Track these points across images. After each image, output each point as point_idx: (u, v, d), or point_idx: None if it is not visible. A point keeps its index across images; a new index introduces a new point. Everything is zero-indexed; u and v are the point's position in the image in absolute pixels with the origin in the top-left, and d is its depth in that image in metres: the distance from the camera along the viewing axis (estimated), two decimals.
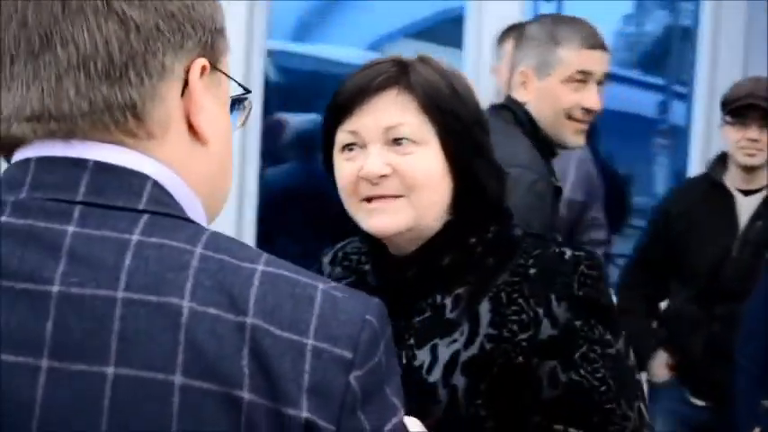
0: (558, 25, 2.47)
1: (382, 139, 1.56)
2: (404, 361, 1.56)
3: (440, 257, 1.59)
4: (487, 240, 1.60)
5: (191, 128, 0.99)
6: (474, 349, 1.53)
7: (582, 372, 1.51)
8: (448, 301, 1.57)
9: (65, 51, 0.92)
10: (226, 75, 1.04)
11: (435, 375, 1.53)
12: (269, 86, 4.24)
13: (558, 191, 2.45)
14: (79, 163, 0.92)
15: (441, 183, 1.57)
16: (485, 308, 1.55)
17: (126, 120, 0.93)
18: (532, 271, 1.56)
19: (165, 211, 0.93)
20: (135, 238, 0.89)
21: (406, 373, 1.51)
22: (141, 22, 0.94)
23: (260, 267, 0.91)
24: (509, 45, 3.07)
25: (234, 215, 3.75)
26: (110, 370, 0.84)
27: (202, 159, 1.01)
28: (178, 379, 0.84)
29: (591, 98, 2.43)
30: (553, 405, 1.52)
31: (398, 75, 1.57)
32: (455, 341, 1.54)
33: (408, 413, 1.49)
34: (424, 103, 1.56)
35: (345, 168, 1.60)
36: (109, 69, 0.92)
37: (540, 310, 1.53)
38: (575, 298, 1.53)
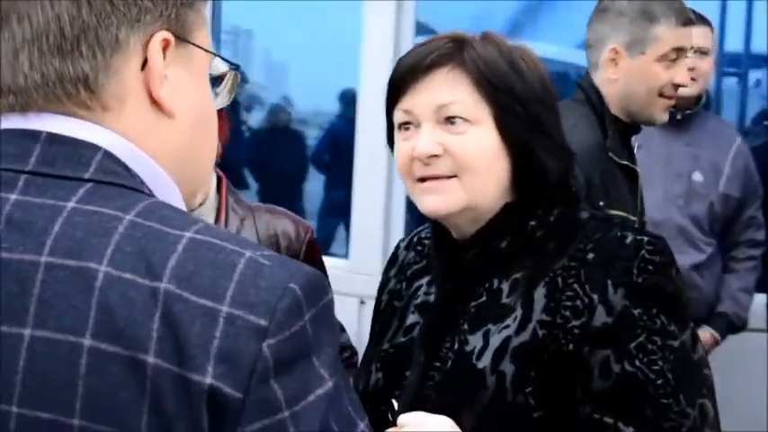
0: (651, 1, 2.42)
1: (435, 118, 1.54)
2: (455, 346, 1.53)
3: (498, 240, 1.55)
4: (549, 223, 1.56)
5: (154, 101, 1.00)
6: (525, 335, 1.49)
7: (637, 362, 1.46)
8: (505, 286, 1.54)
9: (20, 27, 0.96)
10: (202, 48, 1.05)
11: (485, 361, 1.50)
12: None
13: (630, 172, 2.44)
14: (33, 134, 0.95)
15: (495, 163, 1.54)
16: (540, 293, 1.51)
17: (78, 92, 0.96)
18: (591, 255, 1.51)
19: (112, 180, 0.95)
20: (70, 205, 0.91)
21: (456, 359, 1.52)
22: None
23: (188, 234, 0.91)
24: None
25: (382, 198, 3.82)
26: (27, 332, 0.87)
27: (169, 132, 1.03)
28: (87, 341, 0.86)
29: (682, 74, 2.44)
30: (604, 396, 1.47)
31: (452, 51, 1.54)
32: (507, 327, 1.51)
33: (456, 400, 1.52)
34: (477, 79, 1.53)
35: (401, 148, 1.58)
36: (61, 43, 0.95)
37: (596, 297, 1.48)
38: (633, 285, 1.48)
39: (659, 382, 1.46)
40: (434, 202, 1.55)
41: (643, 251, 1.50)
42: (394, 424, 1.50)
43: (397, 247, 1.82)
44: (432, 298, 1.66)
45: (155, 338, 0.86)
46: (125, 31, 0.97)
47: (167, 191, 1.01)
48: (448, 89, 1.54)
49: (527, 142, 1.54)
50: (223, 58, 1.11)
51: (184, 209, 1.02)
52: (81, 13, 0.95)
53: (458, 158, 1.53)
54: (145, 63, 0.98)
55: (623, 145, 2.48)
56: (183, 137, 1.04)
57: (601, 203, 2.30)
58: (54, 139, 0.95)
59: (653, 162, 3.20)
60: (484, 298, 1.55)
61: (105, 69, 0.97)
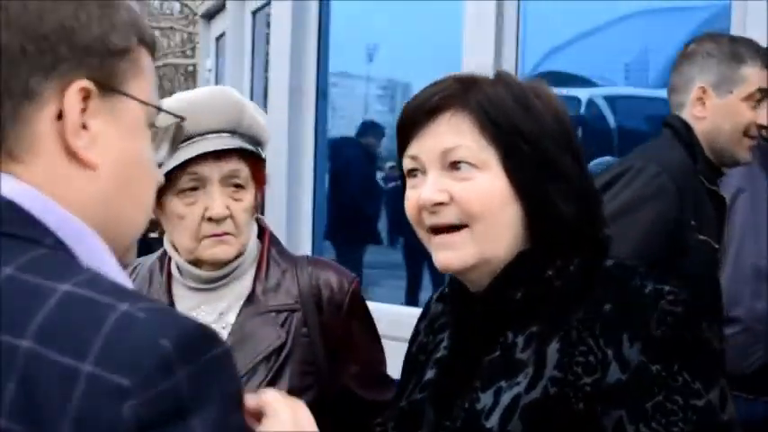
0: (737, 44, 2.54)
1: (440, 164, 1.47)
2: (466, 404, 1.45)
3: (512, 292, 1.46)
4: (568, 273, 1.45)
5: (70, 151, 0.98)
6: (536, 393, 1.39)
7: (653, 424, 1.33)
8: (520, 340, 1.44)
9: None
10: (136, 99, 1.04)
11: (493, 421, 1.41)
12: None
13: (719, 199, 2.54)
14: None
15: (504, 208, 1.45)
16: (553, 348, 1.41)
17: None
18: (607, 306, 1.40)
19: (11, 231, 0.94)
20: None
21: (466, 418, 1.44)
22: (5, 44, 0.95)
23: (63, 288, 0.88)
24: None
25: None
26: None
27: (87, 184, 1.01)
28: None
29: (765, 115, 2.51)
30: None
31: (456, 94, 1.47)
32: (518, 384, 1.41)
33: None
34: (481, 122, 1.45)
35: (409, 196, 1.51)
36: None
37: (610, 352, 1.36)
38: (651, 338, 1.35)
39: None
40: (446, 257, 1.48)
41: (663, 302, 1.38)
42: None
43: (430, 298, 1.76)
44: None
45: (8, 401, 0.84)
46: (37, 79, 0.97)
47: (83, 240, 0.99)
48: (452, 133, 1.46)
49: (537, 185, 1.45)
50: (164, 110, 1.10)
51: (106, 259, 1.01)
52: None
53: (464, 206, 1.45)
54: (61, 113, 0.97)
55: (711, 175, 2.54)
56: (104, 189, 1.02)
57: (692, 222, 2.36)
58: None
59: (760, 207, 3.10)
60: (497, 353, 1.46)
61: (13, 118, 0.96)
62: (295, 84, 5.08)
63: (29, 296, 0.88)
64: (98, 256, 1.00)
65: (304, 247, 4.83)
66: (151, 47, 1.09)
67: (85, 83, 0.98)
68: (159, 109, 1.09)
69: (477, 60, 3.78)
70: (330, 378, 1.97)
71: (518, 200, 1.45)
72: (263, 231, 2.07)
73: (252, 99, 6.46)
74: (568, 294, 1.44)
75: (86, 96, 0.99)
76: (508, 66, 3.81)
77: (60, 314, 0.87)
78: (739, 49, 2.50)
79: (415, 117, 1.49)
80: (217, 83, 7.74)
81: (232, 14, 7.26)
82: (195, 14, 16.81)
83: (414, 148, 1.50)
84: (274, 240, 2.08)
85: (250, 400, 1.25)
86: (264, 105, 6.56)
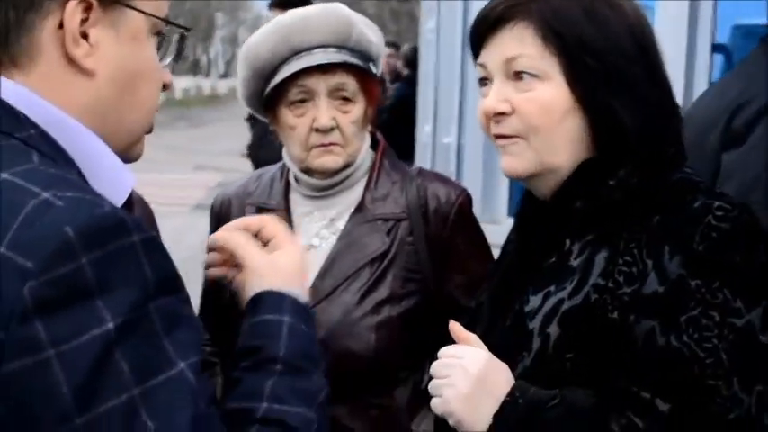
0: None
1: (504, 73, 1.49)
2: (517, 306, 1.49)
3: (572, 201, 1.47)
4: (630, 185, 1.44)
5: (70, 59, 1.07)
6: (577, 299, 1.41)
7: (685, 337, 1.32)
8: (576, 248, 1.46)
9: None
10: (141, 11, 1.11)
11: (535, 323, 1.44)
12: None
13: None
14: None
15: (564, 120, 1.45)
16: (601, 256, 1.42)
17: None
18: (656, 219, 1.39)
19: None
20: None
21: (514, 318, 1.48)
22: None
23: (2, 175, 0.96)
24: None
25: None
26: None
27: (86, 89, 1.09)
28: None
29: None
30: (643, 369, 1.34)
31: (520, 3, 1.47)
32: (564, 289, 1.44)
33: (502, 359, 1.45)
34: (544, 32, 1.45)
35: (480, 105, 1.54)
36: None
37: (650, 263, 1.36)
38: (693, 253, 1.34)
39: (709, 361, 1.31)
40: (507, 163, 1.51)
41: (710, 216, 1.35)
42: None
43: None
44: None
45: None
46: None
47: (73, 135, 1.08)
48: (514, 43, 1.48)
49: (600, 97, 1.44)
50: (168, 21, 1.17)
51: (101, 155, 1.10)
52: None
53: (524, 118, 1.47)
54: (62, 23, 1.06)
55: None
56: (103, 94, 1.11)
57: None
58: None
59: None
60: (554, 259, 1.49)
61: (17, 26, 1.05)
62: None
63: None
64: (86, 149, 1.09)
65: None
66: None
67: None
68: (165, 20, 1.16)
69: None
70: (435, 287, 2.03)
71: (580, 111, 1.45)
72: (377, 143, 2.14)
73: (466, 24, 6.49)
74: (626, 205, 1.43)
75: (88, 7, 1.07)
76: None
77: None
78: None
79: (482, 26, 1.52)
80: (440, 11, 7.79)
81: None
82: None
83: (482, 57, 1.53)
84: (388, 152, 2.15)
85: (209, 240, 1.37)
86: (464, 30, 6.57)
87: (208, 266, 1.44)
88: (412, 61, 9.26)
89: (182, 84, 48.35)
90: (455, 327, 1.47)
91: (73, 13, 1.06)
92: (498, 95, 1.48)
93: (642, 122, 1.44)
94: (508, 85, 1.48)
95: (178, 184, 14.39)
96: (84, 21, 1.08)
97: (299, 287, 1.29)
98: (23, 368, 0.91)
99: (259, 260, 1.29)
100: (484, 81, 1.54)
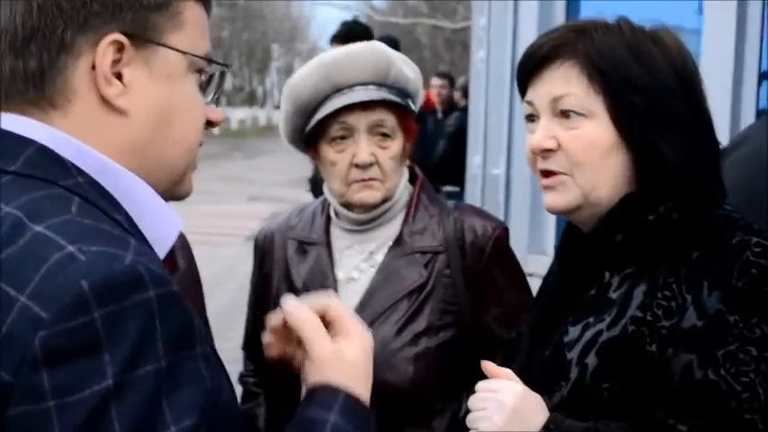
0: None
1: (551, 111, 1.53)
2: (557, 337, 1.52)
3: (614, 234, 1.51)
4: (671, 220, 1.47)
5: (104, 99, 1.08)
6: (615, 331, 1.45)
7: (722, 371, 1.35)
8: (615, 280, 1.50)
9: None
10: (175, 49, 1.12)
11: (574, 353, 1.48)
12: None
13: None
14: None
15: (609, 157, 1.49)
16: (640, 289, 1.46)
17: (27, 90, 1.07)
18: (696, 254, 1.43)
19: (33, 173, 1.05)
20: None
21: (553, 348, 1.52)
22: (42, 1, 1.06)
23: (37, 228, 0.99)
24: None
25: None
26: None
27: (122, 129, 1.10)
28: None
29: None
30: (681, 403, 1.37)
31: (566, 42, 1.52)
32: (602, 320, 1.47)
33: (539, 387, 1.48)
34: (589, 71, 1.49)
35: (528, 140, 1.58)
36: (14, 42, 1.06)
37: (689, 297, 1.40)
38: (732, 288, 1.37)
39: (745, 395, 1.34)
40: (551, 199, 1.55)
41: (748, 252, 1.39)
42: None
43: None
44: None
45: None
46: (71, 32, 1.08)
47: (119, 180, 1.11)
48: (561, 82, 1.52)
49: (644, 134, 1.48)
50: (205, 58, 1.19)
51: (143, 196, 1.13)
52: (32, 15, 1.08)
53: (570, 155, 1.51)
54: (95, 64, 1.09)
55: None
56: (140, 133, 1.13)
57: None
58: (0, 134, 1.09)
59: None
60: (593, 291, 1.52)
61: (51, 68, 1.08)
62: None
63: (9, 233, 1.00)
64: (133, 193, 1.12)
65: None
66: None
67: (117, 36, 1.08)
68: (202, 57, 1.18)
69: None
70: (471, 318, 2.06)
71: (624, 147, 1.49)
72: (415, 178, 2.19)
73: (515, 56, 6.52)
74: (665, 240, 1.46)
75: (120, 48, 1.09)
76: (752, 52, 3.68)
77: (22, 252, 0.98)
78: None
79: (528, 65, 1.56)
80: (490, 43, 7.84)
81: None
82: None
83: (528, 95, 1.57)
84: (426, 187, 2.19)
85: (276, 318, 1.30)
86: (513, 62, 6.60)
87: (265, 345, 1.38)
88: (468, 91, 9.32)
89: (238, 115, 48.92)
90: (487, 365, 1.51)
91: (104, 54, 1.08)
92: (545, 132, 1.52)
93: (684, 158, 1.47)
94: (555, 122, 1.52)
95: (233, 215, 14.56)
96: (116, 61, 1.10)
97: (362, 382, 1.21)
98: (25, 415, 0.93)
99: (324, 350, 1.21)
100: (531, 117, 1.58)
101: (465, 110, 9.01)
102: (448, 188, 8.07)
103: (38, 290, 0.95)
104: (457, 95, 9.44)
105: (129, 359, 0.95)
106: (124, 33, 1.10)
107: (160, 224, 1.15)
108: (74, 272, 0.96)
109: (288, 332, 1.29)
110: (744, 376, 1.33)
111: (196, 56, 1.17)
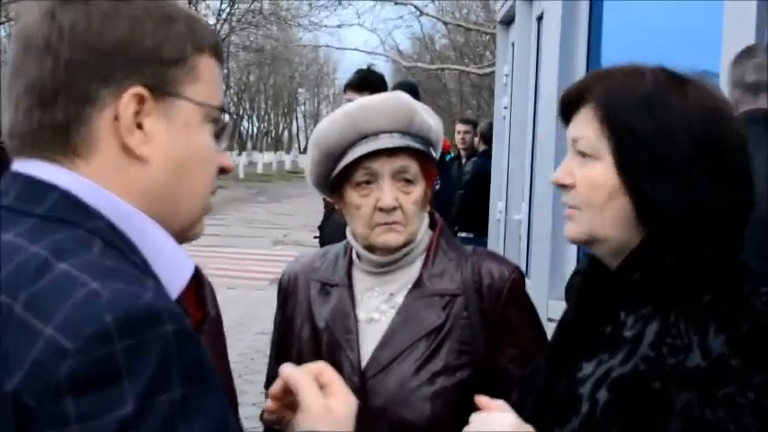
0: None
1: (573, 150, 1.62)
2: (571, 372, 1.58)
3: (631, 274, 1.57)
4: (687, 265, 1.52)
5: (125, 148, 1.16)
6: (627, 368, 1.51)
7: (719, 413, 1.40)
8: (630, 320, 1.56)
9: (19, 81, 1.18)
10: (192, 101, 1.20)
11: (586, 388, 1.53)
12: None
13: None
14: (17, 176, 1.18)
15: (612, 199, 1.56)
16: (652, 328, 1.52)
17: (54, 139, 1.14)
18: (705, 298, 1.49)
19: (59, 215, 1.12)
20: (7, 236, 1.12)
21: (567, 383, 1.57)
22: (70, 57, 1.14)
23: (61, 266, 1.06)
24: None
25: None
26: None
27: (142, 176, 1.18)
28: None
29: None
30: None
31: (589, 87, 1.60)
32: (615, 357, 1.53)
33: (551, 420, 1.55)
34: (601, 116, 1.57)
35: None
36: (42, 96, 1.14)
37: (696, 338, 1.45)
38: (737, 333, 1.43)
39: None
40: (567, 228, 1.64)
41: (756, 301, 1.46)
42: None
43: (574, 273, 1.87)
44: None
45: (3, 352, 1.03)
46: (96, 86, 1.16)
47: (137, 224, 1.18)
48: (581, 124, 1.61)
49: (643, 185, 1.53)
50: (219, 108, 1.27)
51: (159, 240, 1.20)
52: (59, 69, 1.16)
53: (579, 193, 1.60)
54: (117, 115, 1.17)
55: None
56: (158, 180, 1.20)
57: None
58: (28, 180, 1.17)
59: None
60: (609, 329, 1.58)
61: (77, 119, 1.16)
62: (564, 85, 5.18)
63: (36, 271, 1.07)
64: (149, 237, 1.18)
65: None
66: (215, 53, 1.26)
67: (139, 89, 1.16)
68: (216, 108, 1.26)
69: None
70: (488, 359, 2.13)
71: (626, 193, 1.55)
72: (435, 223, 2.27)
73: (537, 103, 6.62)
74: (681, 283, 1.52)
75: (141, 100, 1.17)
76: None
77: (48, 288, 1.05)
78: None
79: (563, 105, 1.67)
80: (512, 89, 7.95)
81: (520, 20, 7.46)
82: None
83: (569, 131, 1.66)
84: (444, 231, 2.27)
85: (276, 384, 1.40)
86: (535, 108, 6.69)
87: (265, 412, 1.49)
88: (487, 137, 9.41)
89: (264, 159, 49.27)
90: (481, 399, 1.58)
91: (127, 106, 1.16)
92: (565, 168, 1.62)
93: (691, 210, 1.50)
94: (575, 160, 1.61)
95: (258, 259, 14.65)
96: (137, 112, 1.17)
97: None
98: None
99: (315, 404, 1.31)
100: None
101: (484, 155, 9.09)
102: (462, 234, 8.07)
103: (63, 322, 1.02)
104: (476, 141, 9.54)
105: (148, 388, 1.01)
106: (145, 86, 1.17)
107: (173, 267, 1.21)
108: (97, 306, 1.02)
109: (288, 398, 1.40)
110: (741, 417, 1.38)
111: (211, 106, 1.25)
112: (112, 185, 1.17)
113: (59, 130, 1.16)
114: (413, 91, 5.20)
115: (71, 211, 1.15)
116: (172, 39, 1.20)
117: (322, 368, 1.37)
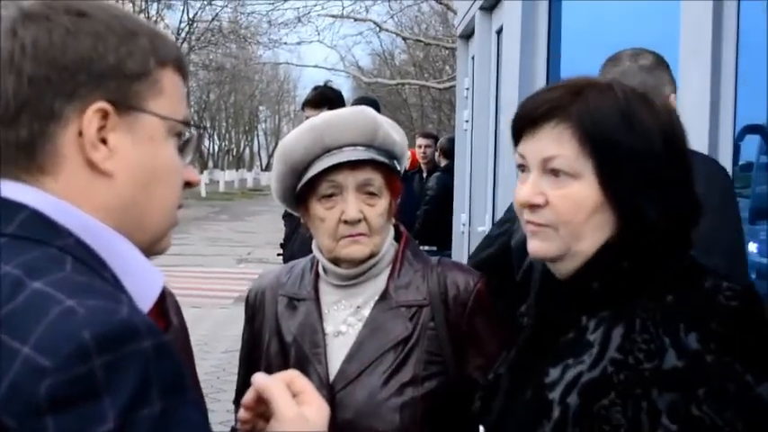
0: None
1: (541, 168, 1.59)
2: (537, 378, 1.59)
3: (591, 280, 1.59)
4: (643, 266, 1.56)
5: (90, 163, 1.15)
6: (596, 372, 1.52)
7: (705, 408, 1.43)
8: (591, 324, 1.57)
9: None
10: (156, 115, 1.20)
11: (555, 393, 1.55)
12: None
13: None
14: None
15: (593, 217, 1.57)
16: (618, 332, 1.53)
17: (19, 157, 1.14)
18: (669, 297, 1.51)
19: (28, 234, 1.11)
20: None
21: (534, 389, 1.59)
22: (33, 74, 1.13)
23: (35, 285, 1.05)
24: None
25: None
26: None
27: (107, 190, 1.18)
28: None
29: None
30: None
31: (562, 103, 1.57)
32: (582, 362, 1.54)
33: (522, 427, 1.56)
34: (580, 135, 1.55)
35: (516, 189, 1.64)
36: (5, 115, 1.13)
37: (668, 340, 1.48)
38: (707, 330, 1.46)
39: (728, 429, 1.42)
40: (533, 246, 1.63)
41: (720, 296, 1.49)
42: None
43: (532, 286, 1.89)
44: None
45: None
46: (60, 102, 1.15)
47: (105, 240, 1.18)
48: (553, 143, 1.57)
49: (629, 196, 1.55)
50: (183, 122, 1.27)
51: (127, 254, 1.20)
52: (22, 86, 1.15)
53: (556, 212, 1.58)
54: (81, 130, 1.16)
55: None
56: (123, 193, 1.20)
57: None
58: None
59: None
60: (572, 334, 1.60)
61: (41, 136, 1.15)
62: (524, 96, 5.21)
63: (9, 290, 1.06)
64: (118, 252, 1.18)
65: None
66: (178, 67, 1.26)
67: (102, 104, 1.16)
68: (180, 122, 1.26)
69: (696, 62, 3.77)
70: (455, 369, 2.14)
71: (609, 207, 1.56)
72: (400, 235, 2.29)
73: (498, 115, 6.66)
74: (639, 285, 1.55)
75: (105, 115, 1.17)
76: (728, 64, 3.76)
77: (23, 307, 1.04)
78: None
79: (523, 121, 1.62)
80: (473, 102, 8.00)
81: (479, 34, 7.51)
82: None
83: (521, 147, 1.63)
84: (410, 243, 2.29)
85: (248, 393, 1.40)
86: (497, 121, 6.73)
87: (238, 423, 1.48)
88: (448, 151, 9.45)
89: (225, 177, 49.13)
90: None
91: (90, 121, 1.16)
92: (534, 188, 1.59)
93: (662, 216, 1.55)
94: (544, 179, 1.59)
95: (221, 277, 14.59)
96: (102, 127, 1.17)
97: None
98: None
99: (289, 411, 1.32)
100: (522, 167, 1.64)
101: (446, 170, 9.12)
102: (425, 248, 8.11)
103: (40, 341, 1.01)
104: (436, 155, 9.58)
105: (128, 404, 1.00)
106: (108, 101, 1.17)
107: (142, 282, 1.21)
108: (74, 323, 1.02)
109: (260, 408, 1.40)
110: (724, 411, 1.41)
111: (175, 120, 1.25)
112: (80, 201, 1.17)
113: (23, 147, 1.16)
114: (374, 105, 5.22)
115: (40, 229, 1.14)
116: (135, 53, 1.20)
117: (294, 376, 1.37)
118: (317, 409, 1.34)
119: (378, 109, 6.87)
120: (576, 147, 1.55)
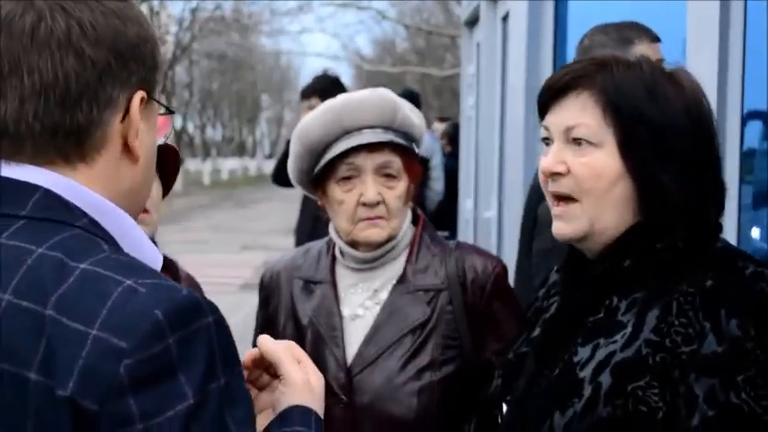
0: (624, 28, 2.73)
1: (564, 138, 1.61)
2: (566, 357, 1.59)
3: (621, 260, 1.59)
4: (677, 248, 1.56)
5: (127, 149, 1.16)
6: (629, 352, 1.52)
7: (743, 395, 1.43)
8: (623, 304, 1.57)
9: (30, 78, 1.11)
10: (160, 103, 1.23)
11: (586, 372, 1.55)
12: None
13: None
14: (3, 181, 1.14)
15: (614, 187, 1.57)
16: (653, 314, 1.53)
17: (65, 143, 1.12)
18: (709, 283, 1.51)
19: (47, 216, 1.10)
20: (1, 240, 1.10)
21: (563, 368, 1.59)
22: (96, 58, 1.12)
23: (82, 266, 1.04)
24: None
25: None
26: None
27: (131, 175, 1.20)
28: None
29: None
30: (707, 424, 1.45)
31: (586, 74, 1.60)
32: (614, 342, 1.55)
33: (551, 404, 1.56)
34: (604, 104, 1.57)
35: (540, 163, 1.65)
36: (66, 96, 1.10)
37: (708, 325, 1.48)
38: (748, 316, 1.46)
39: (766, 418, 1.42)
40: (560, 227, 1.64)
41: (762, 284, 1.49)
42: (503, 426, 1.65)
43: (551, 269, 1.90)
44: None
45: (37, 359, 1.02)
46: (117, 90, 1.16)
47: (115, 219, 1.18)
48: (576, 112, 1.60)
49: (649, 167, 1.56)
50: (168, 108, 1.30)
51: (135, 233, 1.21)
52: (85, 71, 1.13)
53: (577, 180, 1.59)
54: (124, 116, 1.17)
55: None
56: (137, 180, 1.23)
57: None
58: (6, 183, 1.14)
59: None
60: (601, 314, 1.59)
61: (97, 123, 1.15)
62: (533, 84, 5.21)
63: (54, 272, 1.06)
64: (127, 231, 1.19)
65: None
66: None
67: (143, 92, 1.18)
68: (168, 108, 1.29)
69: (702, 60, 3.76)
70: (473, 353, 2.14)
71: (629, 178, 1.57)
72: (417, 219, 2.28)
73: (504, 102, 6.65)
74: (673, 268, 1.55)
75: (141, 103, 1.18)
76: (735, 66, 3.75)
77: (77, 289, 1.04)
78: (626, 33, 2.68)
79: (549, 92, 1.65)
80: (479, 89, 7.98)
81: (485, 21, 7.49)
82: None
83: (546, 120, 1.66)
84: (427, 226, 2.28)
85: (249, 354, 1.40)
86: (503, 106, 6.72)
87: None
88: (453, 137, 9.44)
89: (228, 165, 49.12)
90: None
91: (136, 108, 1.18)
92: (556, 157, 1.61)
93: (686, 192, 1.56)
94: (567, 148, 1.61)
95: (225, 264, 14.58)
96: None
97: (321, 409, 1.37)
98: None
99: (298, 377, 1.34)
100: (546, 141, 1.66)
101: (451, 155, 9.12)
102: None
103: (108, 322, 1.02)
104: (443, 142, 9.59)
105: (202, 379, 1.03)
106: (144, 90, 1.19)
107: (149, 262, 1.21)
108: (142, 302, 1.03)
109: (254, 372, 1.41)
110: (763, 399, 1.42)
111: (168, 109, 1.29)
112: (107, 185, 1.18)
113: (75, 132, 1.14)
114: (412, 97, 5.21)
115: (57, 210, 1.13)
116: (156, 43, 1.22)
117: (291, 345, 1.40)
118: (317, 378, 1.37)
119: (418, 104, 6.82)
120: (599, 115, 1.57)
